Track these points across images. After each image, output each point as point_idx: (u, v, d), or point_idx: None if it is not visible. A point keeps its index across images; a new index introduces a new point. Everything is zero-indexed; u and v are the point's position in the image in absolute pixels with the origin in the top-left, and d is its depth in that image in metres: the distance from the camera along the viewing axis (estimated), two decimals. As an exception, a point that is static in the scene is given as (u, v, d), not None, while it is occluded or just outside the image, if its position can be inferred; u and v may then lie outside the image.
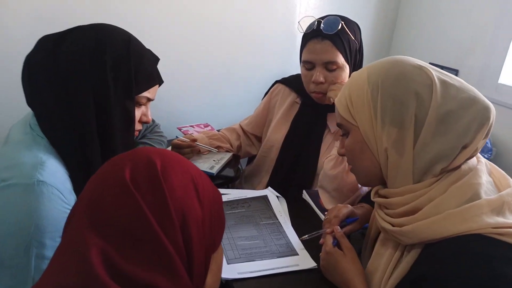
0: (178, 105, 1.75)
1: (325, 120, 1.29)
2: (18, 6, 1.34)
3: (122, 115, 0.87)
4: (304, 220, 1.11)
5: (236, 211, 1.09)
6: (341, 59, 1.15)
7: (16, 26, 1.35)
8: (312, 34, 1.15)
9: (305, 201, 1.26)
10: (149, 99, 0.94)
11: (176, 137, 1.36)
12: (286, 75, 1.99)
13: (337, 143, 1.16)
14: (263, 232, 1.01)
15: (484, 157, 1.68)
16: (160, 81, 0.94)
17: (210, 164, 1.33)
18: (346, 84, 0.78)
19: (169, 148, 1.31)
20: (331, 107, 1.26)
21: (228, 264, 0.89)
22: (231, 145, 1.45)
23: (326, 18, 1.14)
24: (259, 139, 1.47)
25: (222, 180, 1.29)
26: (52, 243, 0.76)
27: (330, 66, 1.16)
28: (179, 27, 1.65)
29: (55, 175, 0.78)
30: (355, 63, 1.21)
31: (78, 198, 0.53)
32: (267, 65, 1.98)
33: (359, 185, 1.13)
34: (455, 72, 1.96)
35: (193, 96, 1.83)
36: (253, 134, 1.46)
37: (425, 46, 2.16)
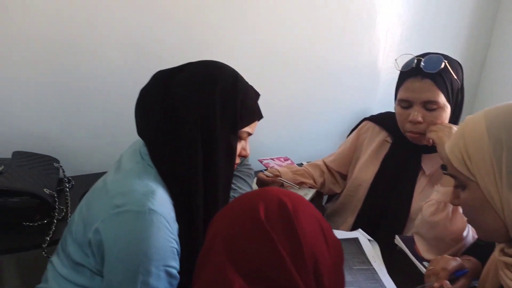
0: (259, 137, 1.77)
1: (419, 161, 1.22)
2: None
3: (226, 149, 0.88)
4: (398, 268, 1.04)
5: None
6: (442, 99, 1.10)
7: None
8: (411, 73, 1.11)
9: (396, 246, 1.18)
10: (249, 134, 0.96)
11: (261, 170, 1.36)
12: (367, 111, 1.96)
13: (437, 187, 1.08)
14: (358, 279, 0.96)
15: None
16: (260, 117, 0.95)
17: (295, 200, 1.30)
18: (459, 133, 0.72)
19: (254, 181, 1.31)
20: (426, 148, 1.20)
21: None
22: (315, 182, 1.42)
23: (427, 57, 1.10)
24: (344, 177, 1.43)
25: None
26: (156, 271, 0.77)
27: (430, 106, 1.11)
28: (261, 60, 1.69)
29: (163, 204, 0.81)
30: (456, 103, 1.15)
31: (210, 232, 0.54)
32: (348, 101, 1.96)
33: (464, 235, 1.04)
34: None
35: (273, 129, 1.84)
36: (338, 172, 1.42)
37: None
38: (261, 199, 0.52)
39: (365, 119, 1.40)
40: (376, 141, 1.32)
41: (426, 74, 1.09)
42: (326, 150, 1.92)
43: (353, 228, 1.30)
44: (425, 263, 1.06)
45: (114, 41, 1.41)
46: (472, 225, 0.75)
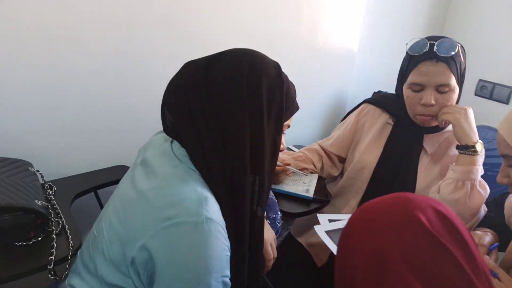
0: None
1: (421, 141, 1.26)
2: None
3: (271, 146, 0.81)
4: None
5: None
6: (453, 81, 1.13)
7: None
8: (426, 56, 1.12)
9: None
10: (288, 126, 0.89)
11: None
12: (343, 94, 1.98)
13: (453, 166, 1.12)
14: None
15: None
16: (298, 107, 0.89)
17: (303, 187, 1.27)
18: None
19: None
20: (428, 128, 1.23)
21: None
22: (315, 166, 1.40)
23: (440, 40, 1.12)
24: (342, 160, 1.43)
25: (318, 204, 1.24)
26: (216, 283, 0.70)
27: (442, 89, 1.13)
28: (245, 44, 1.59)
29: (216, 211, 0.73)
30: (461, 85, 1.19)
31: (355, 246, 0.48)
32: (326, 83, 1.94)
33: (480, 210, 1.10)
34: (510, 89, 1.97)
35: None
36: (336, 155, 1.41)
37: (473, 63, 2.17)
38: (414, 208, 0.48)
39: (364, 101, 1.40)
40: (378, 124, 1.33)
41: (440, 58, 1.10)
42: (305, 132, 1.92)
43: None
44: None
45: (83, 31, 1.21)
46: None
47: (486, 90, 2.10)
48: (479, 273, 0.45)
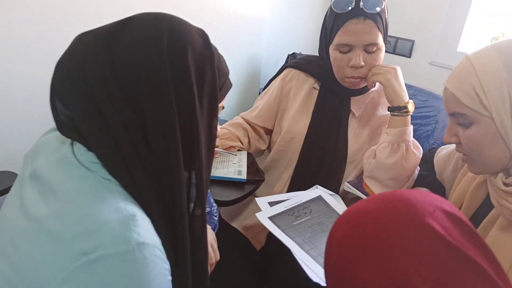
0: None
1: (348, 105, 1.21)
2: None
3: (207, 135, 0.66)
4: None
5: (302, 220, 0.96)
6: (380, 40, 1.07)
7: None
8: (352, 14, 1.03)
9: (347, 193, 1.18)
10: (223, 108, 0.74)
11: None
12: (257, 55, 1.85)
13: (386, 129, 1.09)
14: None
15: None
16: (231, 85, 0.74)
17: (234, 169, 1.15)
18: (468, 71, 0.72)
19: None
20: (354, 91, 1.19)
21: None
22: (241, 143, 1.28)
23: None
24: (269, 132, 1.32)
25: (253, 185, 1.13)
26: None
27: (371, 48, 1.07)
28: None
29: (148, 229, 0.57)
30: (386, 42, 1.14)
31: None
32: (239, 45, 1.79)
33: (416, 170, 1.09)
34: (411, 42, 2.04)
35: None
36: (263, 127, 1.30)
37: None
38: (422, 215, 0.37)
39: (287, 66, 1.29)
40: (304, 90, 1.24)
41: (367, 15, 1.03)
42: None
43: (291, 183, 1.24)
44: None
45: None
46: (473, 160, 0.77)
47: (390, 45, 2.16)
48: (503, 275, 0.38)
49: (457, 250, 0.37)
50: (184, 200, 0.62)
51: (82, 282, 0.50)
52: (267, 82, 1.35)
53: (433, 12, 1.95)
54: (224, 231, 1.26)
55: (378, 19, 1.04)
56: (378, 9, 1.03)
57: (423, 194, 0.42)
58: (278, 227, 0.92)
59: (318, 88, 1.23)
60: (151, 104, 0.57)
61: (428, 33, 1.97)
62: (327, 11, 1.13)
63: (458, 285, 0.35)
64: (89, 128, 0.57)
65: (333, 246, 0.44)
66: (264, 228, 1.20)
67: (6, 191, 1.04)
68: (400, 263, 0.37)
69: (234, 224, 1.26)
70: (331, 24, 1.09)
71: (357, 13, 1.03)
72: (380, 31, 1.06)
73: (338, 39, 1.08)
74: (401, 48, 2.08)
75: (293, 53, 1.79)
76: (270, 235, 1.19)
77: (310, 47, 2.02)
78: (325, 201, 1.03)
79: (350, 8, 1.03)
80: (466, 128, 0.75)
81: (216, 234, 1.17)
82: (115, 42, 0.57)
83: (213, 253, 0.85)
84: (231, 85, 0.73)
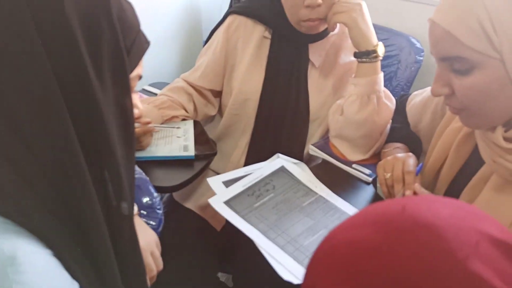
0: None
1: (307, 53, 1.03)
2: None
3: (118, 115, 0.47)
4: (337, 183, 0.90)
5: (265, 199, 0.81)
6: None
7: None
8: None
9: (313, 157, 1.04)
10: (140, 77, 0.55)
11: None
12: (192, 3, 1.59)
13: (353, 80, 0.94)
14: (317, 217, 0.78)
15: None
16: (148, 43, 0.54)
17: (179, 144, 0.97)
18: (470, 3, 0.55)
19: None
20: (311, 36, 1.01)
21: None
22: (186, 111, 1.09)
23: None
24: (217, 93, 1.13)
25: (205, 161, 0.95)
26: None
27: None
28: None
29: (41, 271, 0.39)
30: None
31: None
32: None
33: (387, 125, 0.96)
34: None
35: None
36: (210, 90, 1.10)
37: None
38: (461, 254, 0.22)
39: (230, 12, 1.07)
40: (253, 40, 1.04)
41: None
42: (162, 66, 1.53)
43: (249, 151, 1.08)
44: (355, 165, 0.95)
45: None
46: (472, 113, 0.64)
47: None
48: None
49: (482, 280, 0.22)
50: (94, 205, 0.45)
51: None
52: (209, 33, 1.13)
53: None
54: (178, 214, 1.11)
55: None
56: None
57: (452, 208, 0.26)
58: (237, 213, 0.77)
59: (270, 36, 1.04)
60: (15, 85, 0.38)
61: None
62: None
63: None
64: None
65: None
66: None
67: None
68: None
69: (188, 205, 1.09)
70: None
71: None
72: None
73: None
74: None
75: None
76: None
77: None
78: (289, 172, 0.89)
79: None
80: (464, 75, 0.60)
81: (170, 218, 1.01)
82: None
83: (154, 262, 0.68)
84: (147, 43, 0.53)
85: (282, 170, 0.89)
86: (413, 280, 0.23)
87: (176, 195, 1.13)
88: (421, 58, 1.69)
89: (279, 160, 0.91)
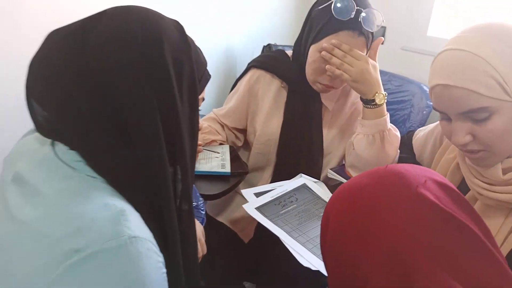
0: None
1: (319, 99, 1.20)
2: None
3: (189, 126, 0.66)
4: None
5: (289, 208, 0.97)
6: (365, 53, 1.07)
7: None
8: (350, 25, 1.00)
9: (330, 180, 1.20)
10: (203, 100, 0.74)
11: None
12: (230, 49, 1.83)
13: (361, 121, 1.09)
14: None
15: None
16: (210, 76, 0.74)
17: (218, 163, 1.15)
18: (477, 63, 0.67)
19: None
20: None
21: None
22: (221, 136, 1.28)
23: (368, 10, 1.00)
24: (241, 131, 1.32)
25: (237, 178, 1.13)
26: None
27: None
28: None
29: (139, 223, 0.56)
30: None
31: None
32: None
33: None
34: (383, 29, 2.07)
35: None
36: (234, 128, 1.30)
37: None
38: (415, 185, 0.39)
39: (252, 66, 1.26)
40: (272, 90, 1.22)
41: (363, 31, 1.01)
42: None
43: (272, 182, 1.24)
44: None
45: None
46: (493, 152, 0.72)
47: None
48: (491, 239, 0.39)
49: (450, 216, 0.38)
50: (170, 195, 0.62)
51: (74, 281, 0.49)
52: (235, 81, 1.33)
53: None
54: (211, 226, 1.26)
55: (370, 37, 1.05)
56: (374, 28, 1.02)
57: (414, 167, 0.43)
58: (266, 217, 0.93)
59: (287, 87, 1.21)
60: (129, 100, 0.56)
61: (398, 19, 2.00)
62: (315, 6, 1.10)
63: (453, 249, 0.37)
64: (68, 127, 0.56)
65: (329, 224, 0.45)
66: (251, 220, 1.21)
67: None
68: (398, 234, 0.38)
69: (221, 219, 1.26)
70: (322, 24, 1.05)
71: (354, 26, 1.00)
72: (367, 48, 1.06)
73: (327, 41, 1.04)
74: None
75: (268, 44, 1.79)
76: (258, 227, 1.20)
77: (285, 38, 2.02)
78: (310, 188, 1.05)
79: (349, 17, 0.99)
80: (485, 122, 0.69)
81: (204, 229, 1.17)
82: (87, 38, 0.56)
83: (201, 248, 0.85)
84: (209, 76, 0.73)
85: (304, 186, 1.05)
86: (382, 204, 0.39)
87: (210, 210, 1.30)
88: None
89: (302, 179, 1.07)
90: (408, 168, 0.43)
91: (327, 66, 1.04)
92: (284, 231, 0.89)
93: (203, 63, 0.70)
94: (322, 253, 0.49)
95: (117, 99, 0.56)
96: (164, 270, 0.58)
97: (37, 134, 0.63)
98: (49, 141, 0.60)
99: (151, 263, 0.54)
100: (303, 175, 1.09)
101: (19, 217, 0.54)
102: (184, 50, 0.63)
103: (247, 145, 1.32)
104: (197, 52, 0.68)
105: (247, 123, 1.28)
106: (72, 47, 0.56)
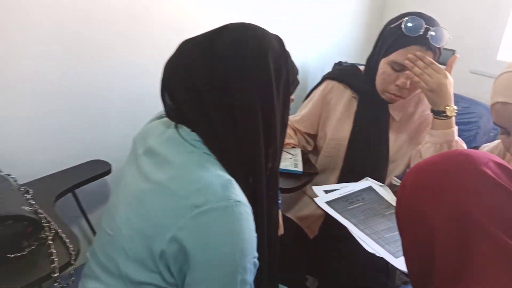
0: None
1: (387, 110, 1.30)
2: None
3: (281, 123, 0.80)
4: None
5: (356, 205, 1.08)
6: None
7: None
8: (417, 41, 1.11)
9: (394, 186, 1.28)
10: (292, 101, 0.89)
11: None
12: (306, 63, 1.98)
13: (430, 130, 1.17)
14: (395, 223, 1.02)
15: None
16: (299, 82, 0.88)
17: (291, 162, 1.29)
18: None
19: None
20: None
21: (397, 258, 0.88)
22: (294, 140, 1.42)
23: (436, 29, 1.11)
24: (312, 136, 1.45)
25: (308, 177, 1.26)
26: (250, 266, 0.70)
27: None
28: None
29: (241, 193, 0.71)
30: None
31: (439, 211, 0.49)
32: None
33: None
34: (452, 52, 2.12)
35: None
36: (306, 133, 1.43)
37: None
38: (479, 164, 0.50)
39: (326, 78, 1.40)
40: (344, 99, 1.34)
41: (431, 47, 1.11)
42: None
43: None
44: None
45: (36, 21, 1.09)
46: None
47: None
48: None
49: (505, 188, 0.48)
50: (263, 171, 0.76)
51: (195, 228, 0.65)
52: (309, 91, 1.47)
53: (473, 22, 2.03)
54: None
55: (437, 52, 1.14)
56: (441, 44, 1.12)
57: (478, 151, 0.54)
58: (335, 210, 1.04)
59: (357, 96, 1.32)
60: (240, 93, 0.72)
61: (468, 43, 2.04)
62: (388, 24, 1.21)
63: (507, 215, 0.47)
64: (194, 114, 0.73)
65: (404, 191, 0.56)
66: (317, 218, 1.33)
67: (100, 176, 1.23)
68: (461, 199, 0.49)
69: (289, 215, 1.39)
70: (392, 40, 1.16)
71: (423, 41, 1.10)
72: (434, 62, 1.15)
73: (395, 56, 1.15)
74: (442, 57, 2.16)
75: (339, 62, 1.92)
76: (323, 225, 1.31)
77: (355, 57, 2.15)
78: (375, 191, 1.15)
79: (418, 34, 1.10)
80: None
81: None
82: (213, 46, 0.73)
83: (279, 228, 0.99)
84: (298, 82, 0.87)
85: (370, 189, 1.15)
86: (451, 176, 0.50)
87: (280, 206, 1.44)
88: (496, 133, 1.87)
89: (368, 182, 1.18)
90: (473, 151, 0.53)
91: (407, 72, 1.14)
92: (351, 223, 1.00)
93: (296, 70, 0.85)
94: (396, 214, 0.60)
95: (232, 92, 0.72)
96: (255, 234, 0.72)
97: (161, 120, 0.82)
98: (173, 124, 0.78)
99: (248, 225, 0.68)
100: (369, 178, 1.20)
101: (154, 179, 0.71)
102: (282, 58, 0.78)
103: (316, 150, 1.45)
104: (292, 61, 0.83)
105: (318, 128, 1.41)
106: (201, 52, 0.73)
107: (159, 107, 0.80)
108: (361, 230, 0.98)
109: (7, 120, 1.11)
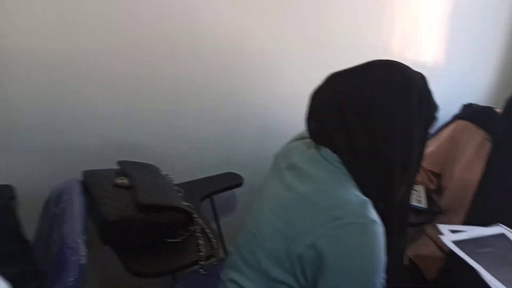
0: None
1: None
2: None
3: (418, 150, 0.84)
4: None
5: (486, 250, 1.04)
6: None
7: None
8: None
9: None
10: (430, 133, 0.92)
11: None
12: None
13: None
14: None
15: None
16: (438, 118, 0.92)
17: (415, 198, 1.29)
18: None
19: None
20: None
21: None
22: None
23: None
24: (435, 174, 1.42)
25: (430, 215, 1.24)
26: (378, 284, 0.73)
27: None
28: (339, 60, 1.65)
29: (375, 213, 0.76)
30: None
31: None
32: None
33: None
34: None
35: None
36: (430, 170, 1.41)
37: None
38: None
39: (457, 118, 1.38)
40: (475, 140, 1.31)
41: None
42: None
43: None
44: None
45: (209, 41, 1.32)
46: None
47: None
48: None
49: None
50: (396, 201, 0.81)
51: (333, 238, 0.72)
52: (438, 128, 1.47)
53: None
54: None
55: None
56: None
57: None
58: (463, 251, 1.02)
59: (492, 138, 1.28)
60: (383, 120, 0.79)
61: None
62: None
63: None
64: (338, 138, 0.81)
65: None
66: (436, 260, 1.29)
67: (233, 187, 1.39)
68: None
69: (408, 252, 1.37)
70: None
71: None
72: None
73: None
74: None
75: (469, 104, 1.84)
76: (445, 270, 1.27)
77: (486, 99, 2.04)
78: (509, 239, 1.09)
79: None
80: None
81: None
82: (360, 79, 0.82)
83: None
84: (437, 118, 0.90)
85: (502, 236, 1.10)
86: None
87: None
88: None
89: (500, 228, 1.12)
90: None
91: None
92: (482, 266, 0.96)
93: (436, 106, 0.88)
94: None
95: (375, 119, 0.79)
96: (384, 255, 0.76)
97: (302, 141, 0.92)
98: (313, 145, 0.87)
99: (381, 244, 0.73)
100: (500, 224, 1.14)
101: (297, 190, 0.81)
102: (425, 93, 0.83)
103: (439, 189, 1.42)
104: (433, 98, 0.87)
105: (444, 167, 1.39)
106: (349, 85, 0.82)
107: (288, 135, 0.90)
108: (493, 275, 0.94)
109: (171, 128, 1.35)
